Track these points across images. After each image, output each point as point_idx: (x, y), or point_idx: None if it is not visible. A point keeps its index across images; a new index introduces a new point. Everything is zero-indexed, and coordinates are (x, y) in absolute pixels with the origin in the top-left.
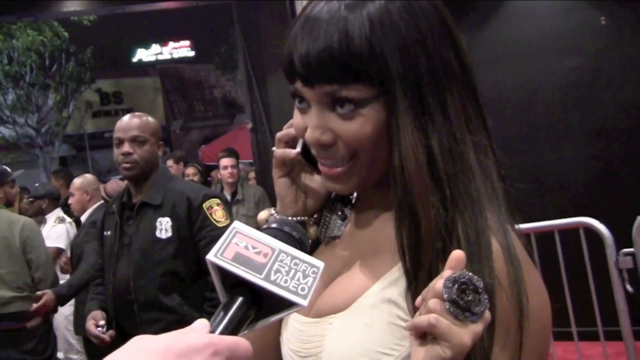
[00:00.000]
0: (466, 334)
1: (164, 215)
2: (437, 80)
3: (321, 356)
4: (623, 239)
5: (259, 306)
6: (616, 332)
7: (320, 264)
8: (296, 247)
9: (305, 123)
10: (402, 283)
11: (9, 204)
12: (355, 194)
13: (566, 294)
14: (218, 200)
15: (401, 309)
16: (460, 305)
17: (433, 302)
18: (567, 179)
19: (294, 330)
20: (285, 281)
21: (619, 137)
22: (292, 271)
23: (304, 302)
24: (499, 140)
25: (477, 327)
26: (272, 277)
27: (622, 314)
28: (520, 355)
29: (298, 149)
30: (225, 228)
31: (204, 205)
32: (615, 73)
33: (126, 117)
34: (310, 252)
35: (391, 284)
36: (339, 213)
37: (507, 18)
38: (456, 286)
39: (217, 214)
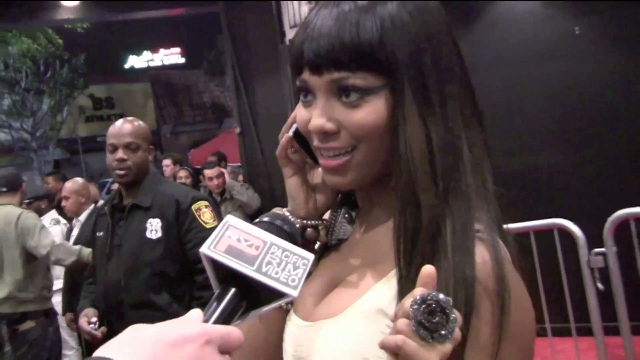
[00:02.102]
0: (433, 355)
1: (154, 217)
2: (439, 77)
3: (311, 359)
4: (595, 239)
5: (251, 297)
6: (587, 328)
7: (310, 256)
8: (287, 240)
9: (310, 115)
10: (394, 291)
11: (20, 204)
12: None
13: (540, 291)
14: (206, 202)
15: (389, 318)
16: (427, 327)
17: (401, 323)
18: (543, 183)
19: (291, 332)
20: (276, 273)
21: (593, 143)
22: (283, 263)
23: (294, 293)
24: None
25: (446, 348)
26: (264, 269)
27: (593, 311)
28: (497, 356)
29: (290, 132)
30: (213, 229)
31: (192, 207)
32: (592, 80)
33: (119, 123)
34: (320, 256)
35: (383, 292)
36: (346, 216)
37: (487, 26)
38: (423, 307)
39: (205, 215)
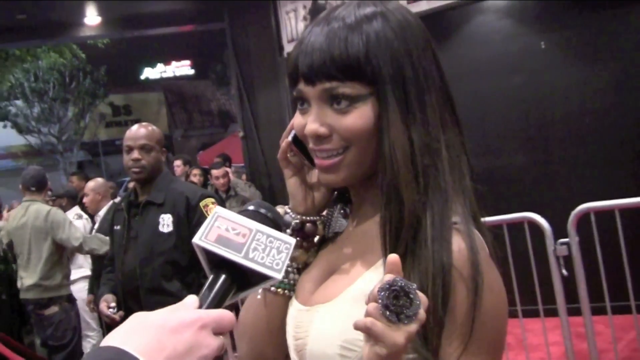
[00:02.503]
0: (399, 335)
1: (166, 212)
2: (419, 85)
3: (308, 339)
4: (560, 230)
5: (241, 280)
6: (553, 309)
7: (292, 240)
8: (271, 227)
9: (305, 121)
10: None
11: (47, 202)
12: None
13: (512, 277)
14: (213, 199)
15: None
16: (392, 310)
17: (370, 306)
18: (515, 180)
19: (292, 316)
20: (262, 258)
21: (557, 144)
22: (268, 248)
23: (279, 276)
24: None
25: (411, 328)
26: (250, 255)
27: (558, 294)
28: (471, 335)
29: (289, 138)
30: None
31: (200, 203)
32: (555, 90)
33: (135, 127)
34: (318, 248)
35: (372, 279)
36: (341, 211)
37: (462, 41)
38: (388, 292)
39: (212, 211)
